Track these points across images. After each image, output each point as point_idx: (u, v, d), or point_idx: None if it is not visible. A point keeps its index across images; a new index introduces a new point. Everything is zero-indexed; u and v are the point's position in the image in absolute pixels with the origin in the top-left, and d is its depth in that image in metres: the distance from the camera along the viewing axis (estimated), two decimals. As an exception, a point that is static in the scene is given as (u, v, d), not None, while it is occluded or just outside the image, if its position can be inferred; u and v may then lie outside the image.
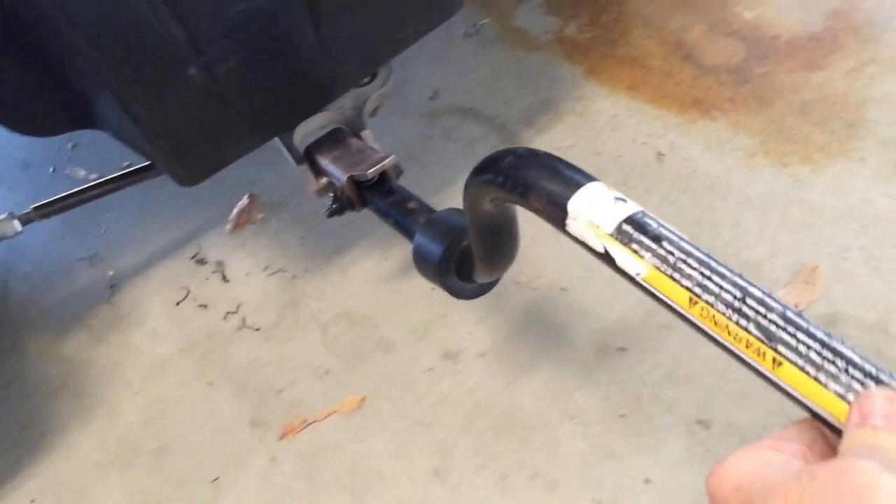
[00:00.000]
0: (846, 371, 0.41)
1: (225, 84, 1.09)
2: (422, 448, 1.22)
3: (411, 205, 1.13)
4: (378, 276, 1.44)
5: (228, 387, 1.34)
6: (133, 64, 1.00)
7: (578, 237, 0.57)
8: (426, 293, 1.38)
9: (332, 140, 1.24)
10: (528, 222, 0.76)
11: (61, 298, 1.49)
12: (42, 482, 1.29)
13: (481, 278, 1.00)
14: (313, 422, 1.29)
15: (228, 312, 1.43)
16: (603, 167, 1.55)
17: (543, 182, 0.63)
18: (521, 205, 0.65)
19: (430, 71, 1.76)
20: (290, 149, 1.23)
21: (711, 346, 0.50)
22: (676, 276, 0.49)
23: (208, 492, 1.24)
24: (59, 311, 1.47)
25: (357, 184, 1.17)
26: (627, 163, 1.56)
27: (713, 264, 0.49)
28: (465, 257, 0.98)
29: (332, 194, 1.23)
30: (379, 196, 1.17)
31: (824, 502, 0.35)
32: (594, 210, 0.55)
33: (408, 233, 1.08)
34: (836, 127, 1.56)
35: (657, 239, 0.51)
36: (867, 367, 0.41)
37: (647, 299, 0.52)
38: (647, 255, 0.51)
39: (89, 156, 1.71)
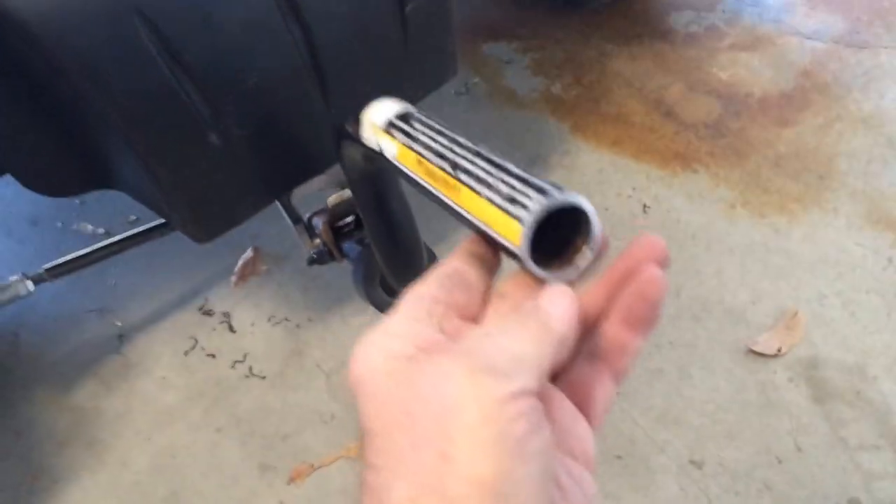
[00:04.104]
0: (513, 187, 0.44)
1: (240, 148, 1.15)
2: (427, 490, 1.27)
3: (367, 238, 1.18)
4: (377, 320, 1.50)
5: (236, 433, 1.39)
6: (159, 132, 1.07)
7: (366, 143, 0.65)
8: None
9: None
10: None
11: (71, 350, 1.53)
12: (54, 530, 1.32)
13: (394, 281, 1.05)
14: (320, 466, 1.33)
15: (235, 361, 1.48)
16: (591, 219, 1.62)
17: (356, 111, 0.71)
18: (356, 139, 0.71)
19: (424, 128, 1.83)
20: (288, 209, 1.30)
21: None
22: (413, 145, 0.55)
23: (220, 536, 1.28)
24: (69, 362, 1.51)
25: (335, 231, 1.23)
26: (614, 214, 1.64)
27: (445, 132, 0.55)
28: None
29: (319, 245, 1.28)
30: (349, 240, 1.23)
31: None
32: (376, 114, 0.64)
33: None
34: (810, 179, 1.65)
35: (410, 123, 0.59)
36: (533, 181, 0.43)
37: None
38: (400, 135, 0.59)
39: (96, 211, 1.76)
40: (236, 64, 1.08)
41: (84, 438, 1.41)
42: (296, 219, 1.31)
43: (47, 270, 1.35)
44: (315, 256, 1.28)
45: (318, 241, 1.28)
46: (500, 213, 0.44)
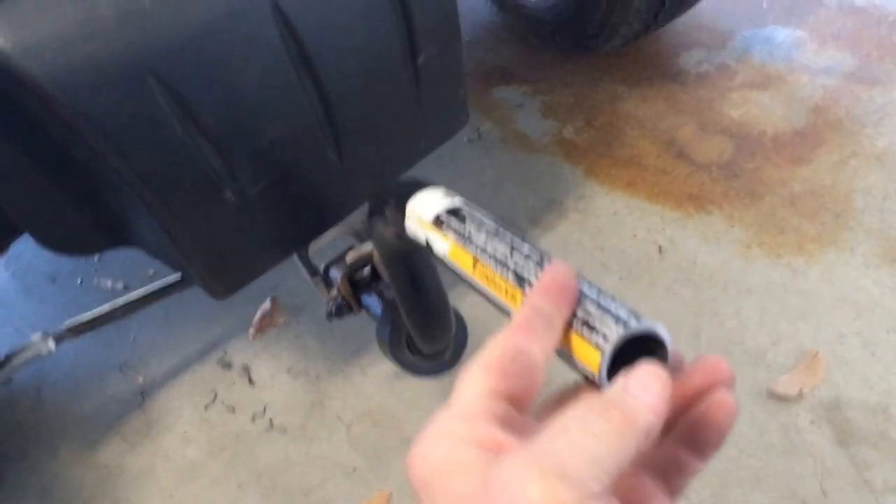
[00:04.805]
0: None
1: (255, 204, 1.17)
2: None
3: (389, 294, 1.18)
4: (397, 374, 1.50)
5: (259, 487, 1.39)
6: (174, 191, 1.08)
7: (412, 234, 0.64)
8: (446, 387, 1.44)
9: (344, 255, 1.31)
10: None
11: (94, 406, 1.54)
12: (79, 589, 1.33)
13: (422, 344, 1.06)
14: (343, 520, 1.34)
15: (255, 414, 1.48)
16: (607, 262, 1.63)
17: (396, 193, 0.70)
18: (394, 222, 0.70)
19: (437, 175, 1.83)
20: (304, 261, 1.31)
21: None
22: (468, 247, 0.54)
23: None
24: (93, 419, 1.52)
25: (353, 284, 1.24)
26: (630, 257, 1.64)
27: (500, 231, 0.54)
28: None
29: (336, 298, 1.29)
30: (367, 292, 1.24)
31: None
32: (423, 207, 0.62)
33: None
34: (826, 218, 1.65)
35: (462, 220, 0.57)
36: (605, 303, 0.43)
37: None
38: (452, 234, 0.57)
39: (114, 265, 1.78)
40: (251, 122, 1.10)
41: (109, 497, 1.41)
42: (313, 271, 1.32)
43: (69, 329, 1.37)
44: (333, 311, 1.28)
45: (335, 292, 1.29)
46: (572, 332, 0.44)
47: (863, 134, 1.81)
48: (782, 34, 2.06)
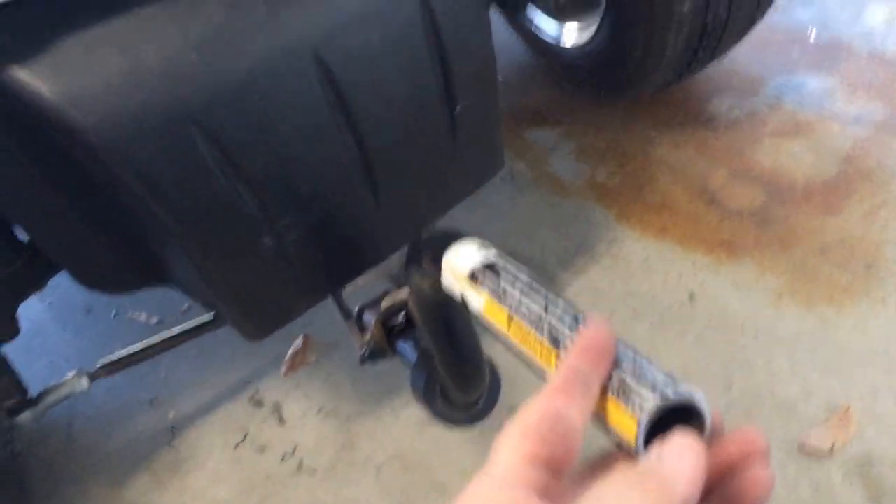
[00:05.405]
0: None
1: (293, 249, 1.18)
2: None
3: (424, 342, 1.18)
4: (430, 418, 1.50)
5: (288, 529, 1.39)
6: (213, 237, 1.10)
7: (448, 289, 0.63)
8: (476, 435, 1.44)
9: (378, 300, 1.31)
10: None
11: (124, 442, 1.55)
12: None
13: (456, 395, 1.06)
14: (372, 565, 1.33)
15: (285, 454, 1.49)
16: (638, 308, 1.63)
17: (433, 245, 0.70)
18: (430, 274, 0.70)
19: (470, 216, 1.86)
20: (339, 303, 1.32)
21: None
22: (503, 303, 0.54)
23: None
24: (122, 455, 1.53)
25: (387, 329, 1.25)
26: (661, 303, 1.64)
27: (536, 288, 0.54)
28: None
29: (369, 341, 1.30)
30: (402, 338, 1.25)
31: None
32: (459, 260, 0.62)
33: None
34: (857, 268, 1.65)
35: (498, 275, 0.57)
36: (642, 369, 0.42)
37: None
38: (487, 289, 0.57)
39: (149, 299, 1.80)
40: (291, 170, 1.11)
41: (137, 534, 1.42)
42: (347, 314, 1.33)
43: (103, 367, 1.39)
44: (367, 356, 1.29)
45: (369, 336, 1.30)
46: (608, 397, 0.43)
47: (893, 184, 1.81)
48: (813, 82, 2.06)
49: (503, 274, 0.58)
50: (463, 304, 0.64)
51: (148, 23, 0.95)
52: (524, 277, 0.57)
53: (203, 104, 0.98)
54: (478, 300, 0.60)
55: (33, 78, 0.89)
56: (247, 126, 1.03)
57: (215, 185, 1.03)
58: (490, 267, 0.60)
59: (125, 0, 0.94)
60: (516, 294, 0.55)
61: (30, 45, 0.90)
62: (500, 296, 0.57)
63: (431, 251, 0.72)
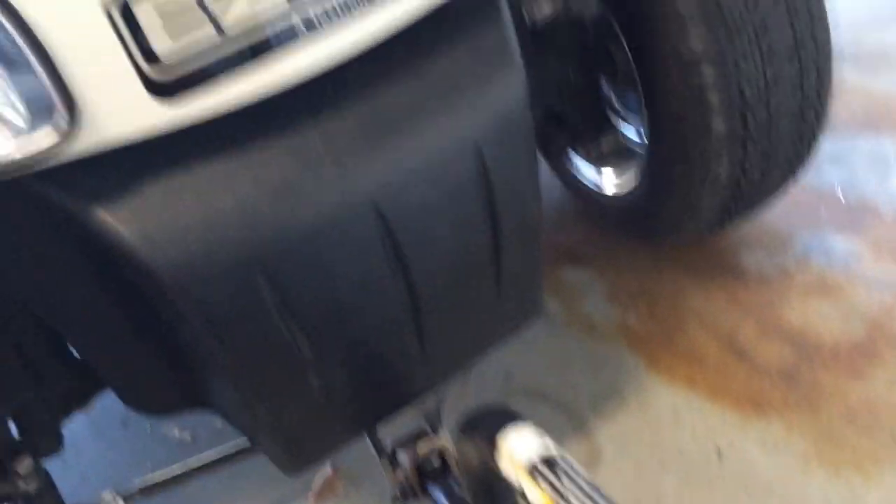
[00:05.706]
0: None
1: (337, 387, 1.22)
2: None
3: (458, 491, 1.19)
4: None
5: None
6: (263, 374, 1.14)
7: (504, 473, 0.65)
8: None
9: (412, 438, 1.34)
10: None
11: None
12: None
13: None
14: None
15: (311, 589, 1.49)
16: (665, 460, 1.65)
17: (485, 422, 0.72)
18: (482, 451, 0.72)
19: (504, 352, 1.89)
20: (373, 439, 1.35)
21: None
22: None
23: None
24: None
25: (421, 472, 1.27)
26: (688, 458, 1.66)
27: (596, 496, 0.55)
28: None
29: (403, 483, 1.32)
30: (435, 483, 1.27)
31: None
32: (517, 446, 0.64)
33: None
34: (882, 437, 1.66)
35: (557, 474, 0.59)
36: None
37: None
38: (548, 487, 0.59)
39: (184, 415, 1.83)
40: (344, 314, 1.16)
41: None
42: (380, 450, 1.35)
43: (140, 490, 1.41)
44: (399, 495, 1.31)
45: (401, 475, 1.32)
46: None
47: (919, 353, 1.84)
48: (840, 243, 2.11)
49: (564, 475, 0.61)
50: (520, 495, 0.66)
51: (223, 172, 1.00)
52: (584, 483, 0.59)
53: (271, 252, 1.03)
54: (537, 496, 0.62)
55: (116, 220, 0.95)
56: (308, 274, 1.08)
57: (272, 327, 1.08)
58: (550, 463, 0.63)
59: (203, 151, 0.99)
60: (578, 498, 0.58)
61: (115, 190, 0.95)
62: (561, 497, 0.59)
63: (484, 431, 0.75)
